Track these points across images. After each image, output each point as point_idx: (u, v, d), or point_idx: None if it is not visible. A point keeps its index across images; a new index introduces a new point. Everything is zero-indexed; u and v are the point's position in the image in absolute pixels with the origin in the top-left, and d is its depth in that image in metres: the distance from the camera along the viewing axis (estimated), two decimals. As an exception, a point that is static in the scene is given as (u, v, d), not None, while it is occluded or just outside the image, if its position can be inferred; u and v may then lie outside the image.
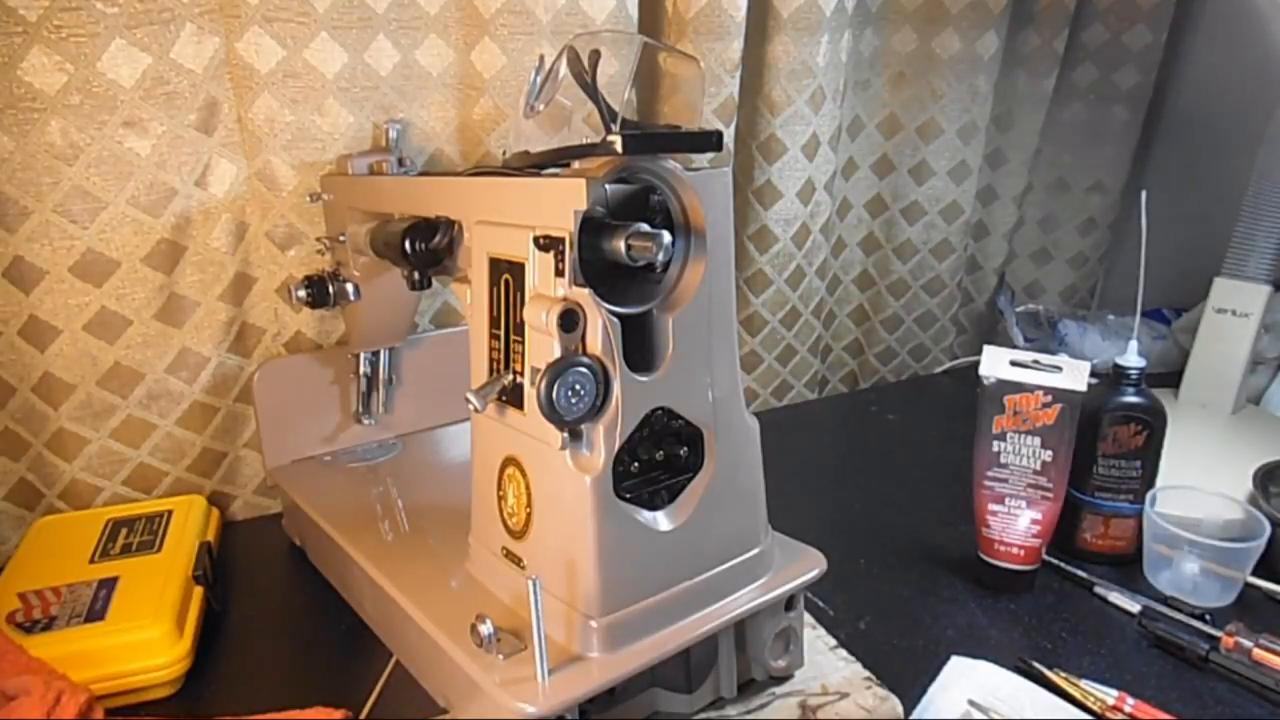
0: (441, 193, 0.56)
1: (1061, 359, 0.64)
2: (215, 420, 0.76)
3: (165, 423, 0.74)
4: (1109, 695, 0.55)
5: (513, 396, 0.47)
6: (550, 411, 0.42)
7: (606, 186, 0.44)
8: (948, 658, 0.59)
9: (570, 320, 0.43)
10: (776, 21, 0.89)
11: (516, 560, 0.49)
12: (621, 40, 0.63)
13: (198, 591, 0.62)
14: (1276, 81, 1.05)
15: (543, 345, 0.44)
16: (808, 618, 0.57)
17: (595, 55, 0.46)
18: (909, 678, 0.56)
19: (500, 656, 0.45)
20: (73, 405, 0.70)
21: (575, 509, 0.44)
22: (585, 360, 0.43)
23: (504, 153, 0.54)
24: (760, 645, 0.52)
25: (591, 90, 0.45)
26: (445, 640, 0.48)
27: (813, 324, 1.06)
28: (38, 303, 0.67)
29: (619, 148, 0.41)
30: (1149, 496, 0.68)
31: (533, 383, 0.44)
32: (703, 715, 0.51)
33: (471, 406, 0.47)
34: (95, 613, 0.56)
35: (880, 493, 0.84)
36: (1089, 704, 0.55)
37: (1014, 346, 1.00)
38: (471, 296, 0.50)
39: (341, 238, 0.67)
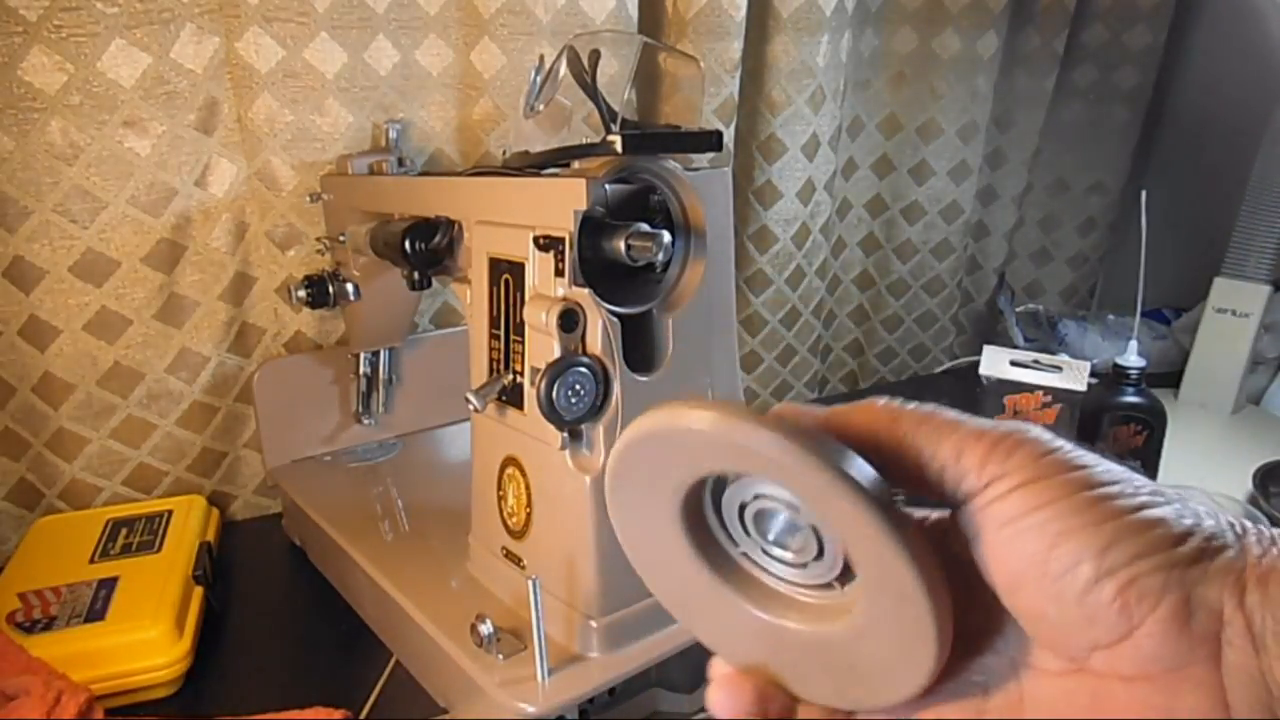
0: (441, 193, 0.56)
1: (1061, 359, 0.64)
2: (215, 420, 0.76)
3: (165, 423, 0.74)
4: (1109, 695, 0.55)
5: (513, 396, 0.47)
6: (550, 411, 0.42)
7: (606, 186, 0.44)
8: (948, 658, 0.58)
9: (570, 320, 0.43)
10: (776, 21, 0.89)
11: (516, 560, 0.49)
12: (621, 40, 0.63)
13: (198, 591, 0.62)
14: (1276, 81, 1.05)
15: (543, 345, 0.44)
16: (808, 618, 0.57)
17: (595, 55, 0.46)
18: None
19: (500, 656, 0.45)
20: (73, 405, 0.70)
21: (575, 509, 0.44)
22: (585, 360, 0.43)
23: (504, 153, 0.54)
24: (760, 645, 0.52)
25: (591, 90, 0.45)
26: (445, 640, 0.48)
27: (813, 324, 1.06)
28: (38, 303, 0.67)
29: (619, 148, 0.41)
30: (1149, 496, 0.68)
31: (533, 383, 0.44)
32: (703, 715, 0.51)
33: (471, 406, 0.47)
34: (95, 613, 0.56)
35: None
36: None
37: (1014, 346, 1.00)
38: (471, 296, 0.50)
39: (341, 238, 0.67)
